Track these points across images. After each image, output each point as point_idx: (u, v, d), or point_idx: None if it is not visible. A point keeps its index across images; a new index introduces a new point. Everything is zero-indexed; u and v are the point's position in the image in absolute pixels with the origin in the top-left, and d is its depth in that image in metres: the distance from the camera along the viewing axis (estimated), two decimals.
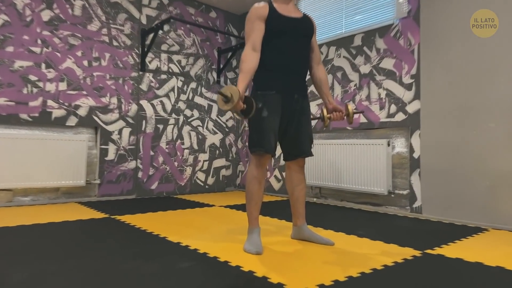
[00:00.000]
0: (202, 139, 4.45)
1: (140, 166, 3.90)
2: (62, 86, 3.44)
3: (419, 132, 2.99)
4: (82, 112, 3.54)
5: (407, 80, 3.10)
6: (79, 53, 3.53)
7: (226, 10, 4.73)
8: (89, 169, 3.59)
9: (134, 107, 3.88)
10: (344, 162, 3.41)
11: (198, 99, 4.43)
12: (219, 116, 4.64)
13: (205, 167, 4.47)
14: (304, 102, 2.05)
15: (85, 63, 3.57)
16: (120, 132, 3.77)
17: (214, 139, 4.57)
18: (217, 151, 4.60)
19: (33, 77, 3.28)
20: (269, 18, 1.95)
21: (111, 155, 3.70)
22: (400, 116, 3.13)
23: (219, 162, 4.61)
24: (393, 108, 3.18)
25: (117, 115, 3.76)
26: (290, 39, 1.97)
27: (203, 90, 4.48)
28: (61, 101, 3.43)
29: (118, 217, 2.72)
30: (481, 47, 2.66)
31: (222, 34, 4.67)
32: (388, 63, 3.23)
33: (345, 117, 2.10)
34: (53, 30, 3.40)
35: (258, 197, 1.99)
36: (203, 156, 4.45)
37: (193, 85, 4.39)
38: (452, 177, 2.78)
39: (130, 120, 3.84)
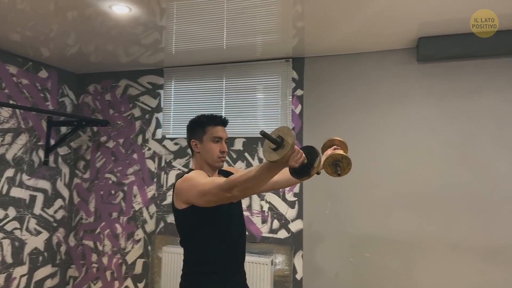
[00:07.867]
0: (20, 246, 3.19)
1: None
2: None
3: (302, 252, 3.03)
4: None
5: (290, 197, 3.11)
6: None
7: (61, 67, 3.65)
8: None
9: None
10: None
11: (16, 192, 3.17)
12: (46, 209, 3.46)
13: (22, 285, 3.20)
14: None
15: None
16: None
17: (36, 242, 3.36)
18: (41, 257, 3.39)
19: None
20: None
21: None
22: (283, 233, 3.10)
23: (42, 272, 3.41)
24: (276, 223, 3.12)
25: None
26: None
27: (24, 177, 3.25)
28: None
29: None
30: (362, 178, 2.94)
31: (54, 98, 3.56)
32: None
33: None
34: None
35: None
36: (20, 270, 3.18)
37: (9, 172, 3.12)
38: None
39: None
